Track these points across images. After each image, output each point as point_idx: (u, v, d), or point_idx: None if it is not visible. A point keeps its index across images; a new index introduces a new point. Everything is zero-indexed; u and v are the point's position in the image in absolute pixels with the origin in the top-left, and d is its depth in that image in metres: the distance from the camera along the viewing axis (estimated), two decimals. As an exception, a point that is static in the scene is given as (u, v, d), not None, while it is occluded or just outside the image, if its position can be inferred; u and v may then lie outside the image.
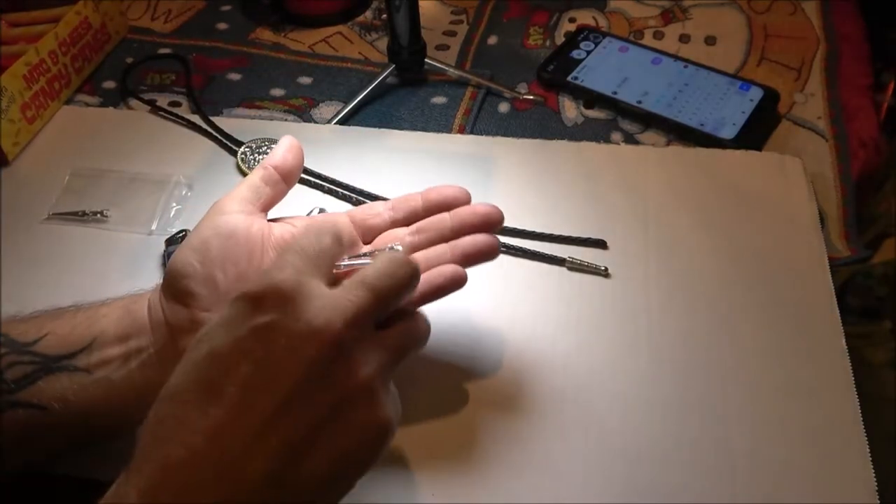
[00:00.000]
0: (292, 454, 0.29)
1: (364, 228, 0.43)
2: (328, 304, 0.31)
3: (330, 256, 0.35)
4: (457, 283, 0.39)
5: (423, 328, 0.37)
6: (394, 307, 0.35)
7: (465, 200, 0.42)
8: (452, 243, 0.41)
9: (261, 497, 0.28)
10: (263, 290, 0.31)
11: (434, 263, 0.39)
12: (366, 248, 0.42)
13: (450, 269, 0.39)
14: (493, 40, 0.72)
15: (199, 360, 0.30)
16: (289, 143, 0.43)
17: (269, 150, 0.60)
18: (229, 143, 0.61)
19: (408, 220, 0.43)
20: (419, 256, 0.40)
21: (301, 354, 0.30)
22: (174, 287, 0.38)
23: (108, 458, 0.41)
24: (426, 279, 0.38)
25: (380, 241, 0.43)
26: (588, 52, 0.67)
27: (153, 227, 0.55)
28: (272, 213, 0.44)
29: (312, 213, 0.52)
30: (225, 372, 0.29)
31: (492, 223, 0.41)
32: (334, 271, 0.36)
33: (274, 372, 0.29)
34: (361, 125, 0.63)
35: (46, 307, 0.40)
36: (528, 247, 0.52)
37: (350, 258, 0.38)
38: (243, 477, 0.28)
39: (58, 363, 0.37)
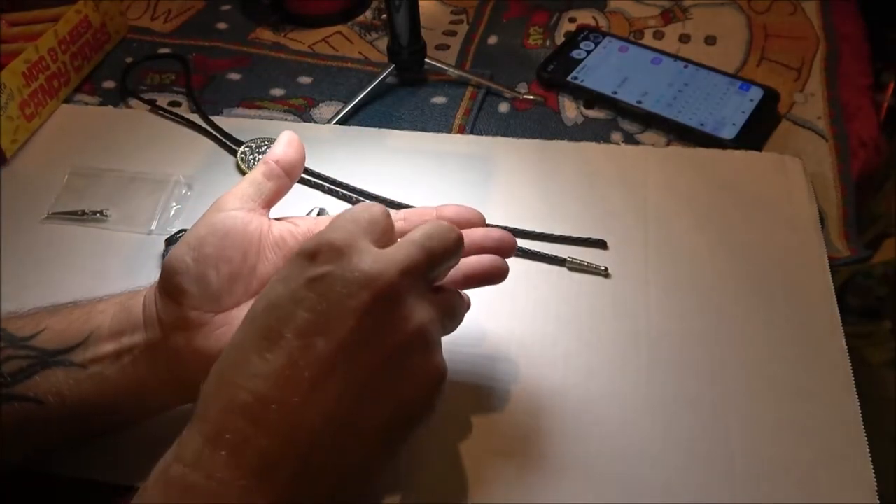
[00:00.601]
0: (351, 398, 0.30)
1: None
2: (381, 257, 0.32)
3: (381, 226, 0.35)
4: (499, 274, 0.40)
5: (467, 299, 0.39)
6: (443, 269, 0.36)
7: (480, 223, 0.42)
8: (468, 266, 0.40)
9: (322, 440, 0.30)
10: (318, 246, 0.32)
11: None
12: None
13: (488, 258, 0.39)
14: (493, 40, 0.72)
15: (258, 312, 0.32)
16: (289, 137, 0.43)
17: (269, 150, 0.60)
18: (229, 143, 0.61)
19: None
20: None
21: (356, 301, 0.31)
22: (167, 284, 0.38)
23: (108, 458, 0.42)
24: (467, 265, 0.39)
25: None
26: (588, 52, 0.67)
27: (153, 226, 0.55)
28: (275, 212, 0.44)
29: (312, 213, 0.52)
30: (283, 320, 0.30)
31: (505, 250, 0.41)
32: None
33: (330, 318, 0.30)
34: (361, 125, 0.63)
35: (45, 305, 0.40)
36: (528, 247, 0.52)
37: None
38: (304, 420, 0.29)
39: (54, 358, 0.37)
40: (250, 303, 0.37)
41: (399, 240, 0.35)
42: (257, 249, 0.39)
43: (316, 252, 0.32)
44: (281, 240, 0.40)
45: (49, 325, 0.38)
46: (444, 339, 0.47)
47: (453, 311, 0.37)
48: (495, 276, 0.40)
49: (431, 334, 0.34)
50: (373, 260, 0.32)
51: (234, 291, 0.38)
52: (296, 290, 0.31)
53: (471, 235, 0.40)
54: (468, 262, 0.39)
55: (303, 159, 0.43)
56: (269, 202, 0.41)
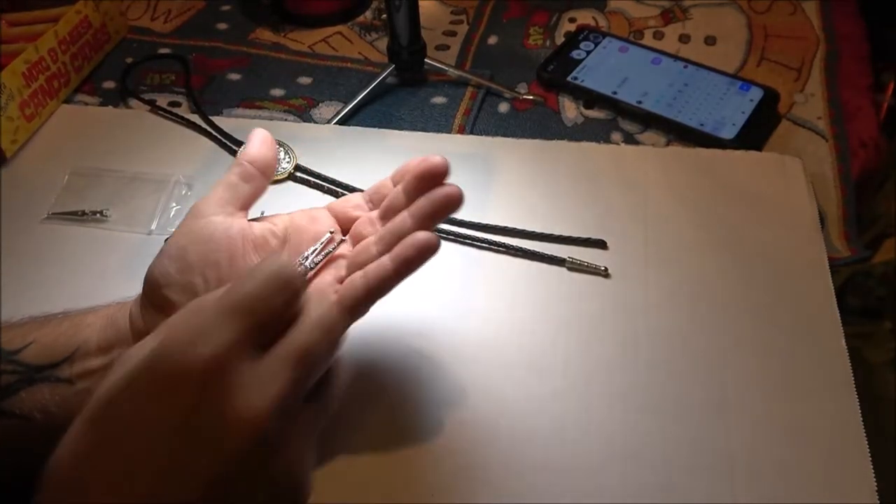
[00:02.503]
0: None
1: (345, 220, 0.42)
2: (255, 395, 0.29)
3: (285, 298, 0.31)
4: (429, 249, 0.35)
5: (334, 409, 0.36)
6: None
7: (415, 166, 0.39)
8: (411, 209, 0.38)
9: None
10: (186, 365, 0.28)
11: (400, 236, 0.37)
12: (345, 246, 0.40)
13: (419, 236, 0.35)
14: (493, 40, 0.72)
15: (107, 423, 0.28)
16: (262, 135, 0.41)
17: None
18: (229, 143, 0.61)
19: (378, 204, 0.42)
20: (385, 231, 0.38)
21: (222, 449, 0.28)
22: (152, 296, 0.37)
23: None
24: (397, 254, 0.35)
25: (354, 230, 0.41)
26: (588, 52, 0.67)
27: (153, 226, 0.55)
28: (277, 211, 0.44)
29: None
30: (137, 454, 0.28)
31: (435, 175, 0.38)
32: (301, 268, 0.37)
33: (190, 468, 0.28)
34: (361, 125, 0.63)
35: (45, 308, 0.40)
36: (528, 247, 0.52)
37: (316, 252, 0.39)
38: None
39: (40, 373, 0.36)
40: None
41: (278, 352, 0.30)
42: (241, 252, 0.39)
43: (182, 373, 0.28)
44: (262, 240, 0.39)
45: (37, 339, 0.37)
46: (443, 340, 0.47)
47: (317, 426, 0.35)
48: (450, 203, 0.37)
49: (298, 468, 0.32)
50: (245, 400, 0.28)
51: None
52: (154, 422, 0.28)
53: (406, 182, 0.39)
54: (420, 205, 0.37)
55: (276, 156, 0.42)
56: (246, 204, 0.41)
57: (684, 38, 0.70)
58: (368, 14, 0.76)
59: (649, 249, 0.52)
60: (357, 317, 0.35)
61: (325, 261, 0.39)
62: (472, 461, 0.42)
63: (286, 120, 0.64)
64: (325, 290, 0.36)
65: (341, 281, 0.37)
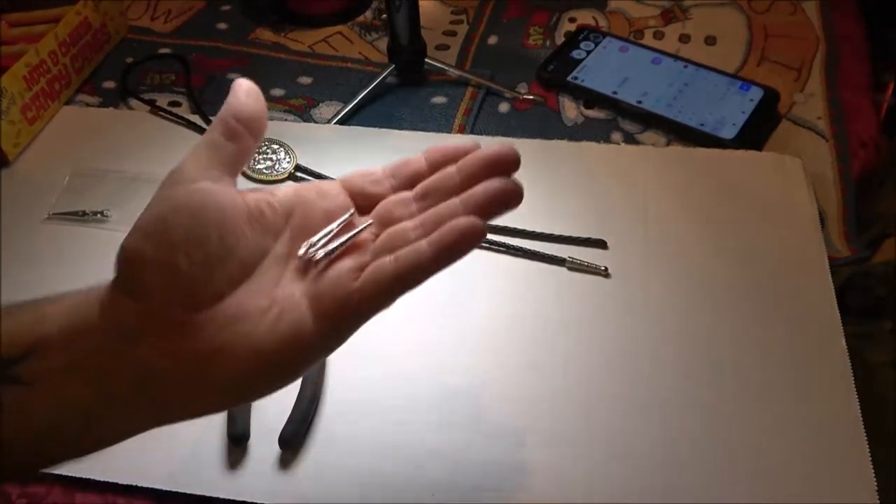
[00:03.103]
0: None
1: (363, 197, 0.35)
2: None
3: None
4: (474, 236, 0.30)
5: None
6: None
7: (473, 150, 0.34)
8: (463, 196, 0.32)
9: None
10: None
11: (446, 220, 0.32)
12: (363, 220, 0.34)
13: (463, 221, 0.30)
14: (493, 40, 0.72)
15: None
16: (246, 86, 0.34)
17: (269, 150, 0.60)
18: (229, 143, 0.61)
19: (412, 185, 0.35)
20: (429, 216, 0.33)
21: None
22: (125, 280, 0.31)
23: (105, 457, 0.42)
24: (438, 238, 0.31)
25: (382, 210, 0.34)
26: (588, 52, 0.67)
27: (153, 227, 0.55)
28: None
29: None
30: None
31: (505, 164, 0.33)
32: (307, 256, 0.32)
33: None
34: (361, 125, 0.63)
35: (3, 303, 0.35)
36: (528, 247, 0.52)
37: (327, 237, 0.32)
38: None
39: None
40: (240, 295, 0.31)
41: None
42: (233, 226, 0.32)
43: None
44: (258, 212, 0.33)
45: None
46: (443, 340, 0.47)
47: None
48: (509, 199, 0.32)
49: None
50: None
51: (214, 280, 0.31)
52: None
53: (465, 164, 0.33)
54: (474, 194, 0.32)
55: (265, 111, 0.35)
56: (235, 168, 0.34)
57: (684, 38, 0.70)
58: (368, 14, 0.76)
59: (649, 249, 0.52)
60: (379, 309, 0.31)
61: (345, 247, 0.32)
62: (472, 461, 0.42)
63: (286, 120, 0.64)
64: (342, 277, 0.31)
65: (363, 269, 0.31)
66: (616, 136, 0.62)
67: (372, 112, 0.65)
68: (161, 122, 0.64)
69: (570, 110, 0.64)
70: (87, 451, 0.31)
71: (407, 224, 0.33)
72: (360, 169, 0.36)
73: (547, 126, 0.63)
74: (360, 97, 0.64)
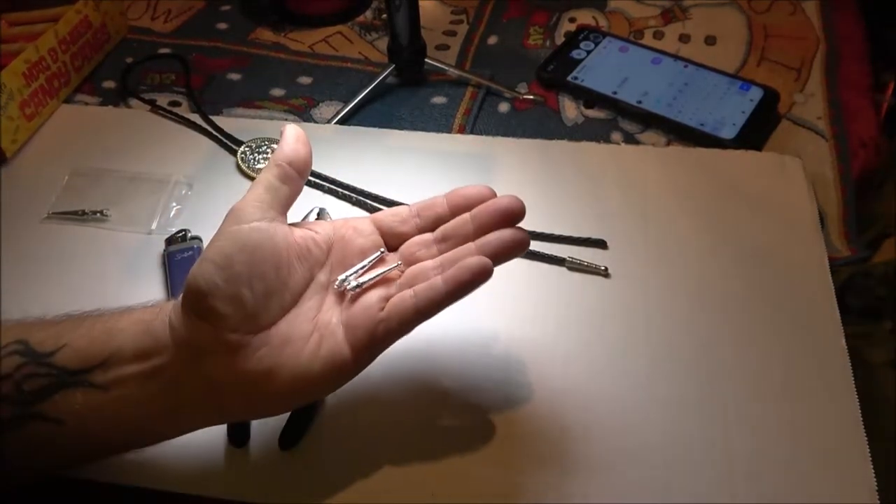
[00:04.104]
0: None
1: (392, 235, 0.41)
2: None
3: None
4: (482, 274, 0.36)
5: None
6: None
7: (487, 198, 0.40)
8: (478, 242, 0.38)
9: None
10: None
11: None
12: (391, 257, 0.40)
13: (474, 261, 0.36)
14: (493, 40, 0.72)
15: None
16: (296, 133, 0.40)
17: (269, 150, 0.60)
18: (229, 143, 0.61)
19: (434, 226, 0.41)
20: (447, 258, 0.39)
21: None
22: (198, 306, 0.35)
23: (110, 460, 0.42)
24: (451, 276, 0.36)
25: (407, 250, 0.40)
26: (588, 52, 0.67)
27: (153, 226, 0.55)
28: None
29: (311, 216, 0.52)
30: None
31: (512, 216, 0.38)
32: (342, 289, 0.38)
33: None
34: (361, 125, 0.63)
35: (45, 307, 0.40)
36: (528, 247, 0.52)
37: (360, 271, 0.39)
38: None
39: (74, 377, 0.36)
40: (289, 320, 0.37)
41: None
42: (287, 261, 0.37)
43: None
44: (305, 250, 0.39)
45: (70, 342, 0.36)
46: (443, 340, 0.47)
47: None
48: (518, 247, 0.38)
49: None
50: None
51: (270, 308, 0.37)
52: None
53: (478, 214, 0.39)
54: (489, 241, 0.38)
55: (311, 155, 0.40)
56: (286, 207, 0.39)
57: (684, 38, 0.70)
58: (368, 14, 0.76)
59: (649, 249, 0.52)
60: (399, 336, 0.37)
61: (375, 281, 0.38)
62: (472, 461, 0.42)
63: (286, 120, 0.64)
64: (371, 308, 0.37)
65: (388, 298, 0.37)
66: (616, 136, 0.62)
67: (372, 112, 0.65)
68: (161, 122, 0.64)
69: (570, 110, 0.64)
70: (162, 440, 0.38)
71: (427, 264, 0.39)
72: (390, 210, 0.42)
73: (547, 126, 0.63)
74: (360, 97, 0.64)
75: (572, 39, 0.69)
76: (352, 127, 0.63)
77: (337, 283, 0.38)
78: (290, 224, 0.39)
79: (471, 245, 0.38)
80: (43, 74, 0.63)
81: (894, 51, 0.75)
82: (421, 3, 0.62)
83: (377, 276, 0.38)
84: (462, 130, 0.62)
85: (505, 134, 0.62)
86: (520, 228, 0.38)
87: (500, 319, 0.48)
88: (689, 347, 0.46)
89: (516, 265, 0.52)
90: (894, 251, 0.65)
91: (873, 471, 0.41)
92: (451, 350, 0.47)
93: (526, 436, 0.43)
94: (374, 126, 0.63)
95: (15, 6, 0.68)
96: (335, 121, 0.63)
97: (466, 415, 0.44)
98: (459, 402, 0.45)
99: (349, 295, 0.38)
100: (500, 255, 0.37)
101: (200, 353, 0.35)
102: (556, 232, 0.53)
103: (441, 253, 0.39)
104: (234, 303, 0.35)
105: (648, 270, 0.51)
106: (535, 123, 0.63)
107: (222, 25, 0.75)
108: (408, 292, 0.37)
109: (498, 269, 0.51)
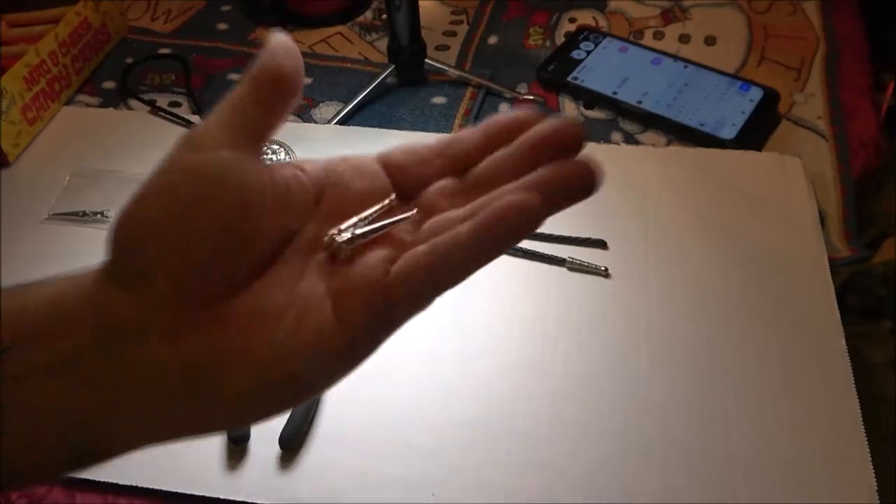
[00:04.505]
0: None
1: (405, 178, 0.29)
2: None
3: None
4: (523, 213, 0.24)
5: None
6: None
7: (534, 123, 0.28)
8: (520, 183, 0.27)
9: None
10: None
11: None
12: (405, 209, 0.28)
13: (513, 198, 0.24)
14: (493, 40, 0.72)
15: None
16: (283, 42, 0.28)
17: (268, 150, 0.60)
18: (229, 144, 0.61)
19: (463, 168, 0.29)
20: (479, 204, 0.27)
21: None
22: (116, 265, 0.25)
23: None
24: (480, 222, 0.25)
25: (425, 198, 0.28)
26: (588, 53, 0.67)
27: (153, 227, 0.55)
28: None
29: None
30: None
31: (571, 143, 0.27)
32: (334, 247, 0.26)
33: None
34: (361, 125, 0.63)
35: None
36: (528, 247, 0.52)
37: (366, 219, 0.27)
38: None
39: None
40: (257, 290, 0.25)
41: None
42: (258, 208, 0.26)
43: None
44: (284, 192, 0.27)
45: None
46: (443, 340, 0.47)
47: None
48: (577, 183, 0.26)
49: None
50: None
51: (229, 272, 0.25)
52: None
53: (522, 143, 0.28)
54: (536, 176, 0.26)
55: (302, 71, 0.29)
56: (260, 140, 0.28)
57: (684, 38, 0.70)
58: (368, 14, 0.76)
59: (649, 249, 0.52)
60: (413, 310, 0.25)
61: (379, 234, 0.27)
62: (472, 461, 0.42)
63: (286, 120, 0.64)
64: (370, 269, 0.25)
65: (395, 259, 0.26)
66: (616, 136, 0.62)
67: (372, 112, 0.65)
68: (161, 123, 0.64)
69: (570, 110, 0.64)
70: (87, 464, 0.26)
71: (452, 214, 0.27)
72: (404, 144, 0.30)
73: (547, 126, 0.63)
74: (360, 97, 0.64)
75: (572, 40, 0.69)
76: (352, 127, 0.63)
77: (326, 238, 0.27)
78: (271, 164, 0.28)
79: (511, 186, 0.27)
80: (44, 78, 0.63)
81: (894, 51, 0.75)
82: (421, 3, 0.62)
83: (381, 226, 0.27)
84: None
85: (505, 134, 0.62)
86: (582, 161, 0.27)
87: (501, 319, 0.48)
88: (689, 347, 0.46)
89: (516, 265, 0.52)
90: (894, 251, 0.65)
91: (873, 471, 0.41)
92: (451, 350, 0.47)
93: (525, 436, 0.43)
94: (374, 126, 0.63)
95: (15, 7, 0.68)
96: (335, 121, 0.63)
97: (466, 415, 0.44)
98: (459, 401, 0.45)
99: (343, 255, 0.26)
100: (553, 191, 0.26)
101: (126, 337, 0.24)
102: (556, 232, 0.53)
103: (470, 199, 0.28)
104: (172, 258, 0.25)
105: (648, 270, 0.51)
106: (535, 124, 0.63)
107: (222, 25, 0.75)
108: (420, 248, 0.25)
109: (498, 269, 0.52)
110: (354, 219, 0.27)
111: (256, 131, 0.28)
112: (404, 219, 0.27)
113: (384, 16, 0.75)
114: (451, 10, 0.76)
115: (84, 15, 0.67)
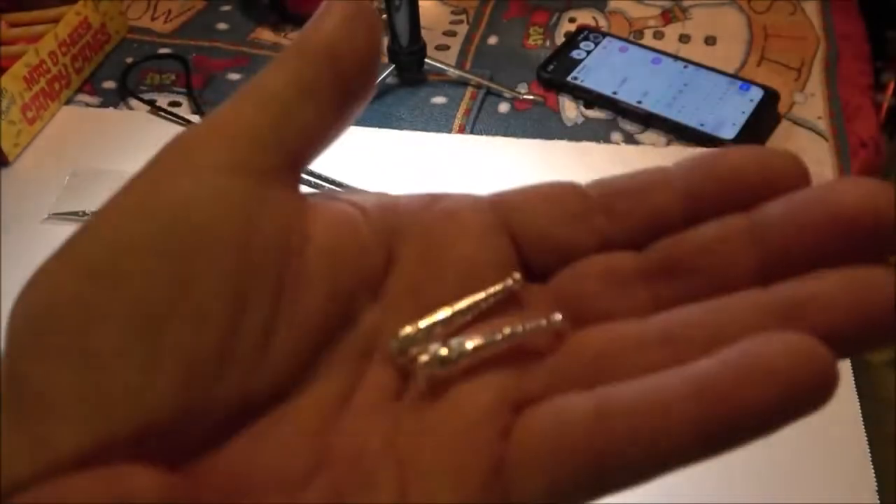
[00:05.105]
0: None
1: (540, 242, 0.19)
2: None
3: None
4: (816, 379, 0.16)
5: None
6: None
7: (796, 178, 0.16)
8: (787, 293, 0.16)
9: None
10: None
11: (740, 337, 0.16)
12: (532, 298, 0.18)
13: (801, 340, 0.15)
14: (493, 40, 0.72)
15: None
16: (344, 9, 0.19)
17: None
18: (229, 144, 0.61)
19: (644, 236, 0.18)
20: (688, 323, 0.17)
21: None
22: (10, 379, 0.16)
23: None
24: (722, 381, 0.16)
25: (573, 283, 0.18)
26: (588, 52, 0.67)
27: (153, 227, 0.55)
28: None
29: None
30: None
31: (867, 232, 0.16)
32: (409, 361, 0.17)
33: None
34: (361, 125, 0.63)
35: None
36: (528, 247, 0.52)
37: (461, 315, 0.17)
38: None
39: None
40: (260, 433, 0.16)
41: None
42: (274, 288, 0.16)
43: None
44: (329, 250, 0.17)
45: None
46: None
47: None
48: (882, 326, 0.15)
49: None
50: None
51: (215, 399, 0.16)
52: None
53: (793, 219, 0.16)
54: (825, 296, 0.16)
55: (378, 49, 0.20)
56: (303, 155, 0.19)
57: (684, 38, 0.70)
58: (368, 14, 0.76)
59: (649, 249, 0.52)
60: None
61: (498, 349, 0.17)
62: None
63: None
64: (476, 425, 0.16)
65: (518, 406, 0.16)
66: (616, 136, 0.62)
67: (371, 112, 0.65)
68: (161, 123, 0.64)
69: (570, 110, 0.64)
70: None
71: (632, 329, 0.16)
72: (536, 187, 0.19)
73: (547, 126, 0.63)
74: (360, 97, 0.64)
75: (572, 39, 0.69)
76: (351, 127, 0.63)
77: (395, 343, 0.17)
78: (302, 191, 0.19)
79: (762, 296, 0.16)
80: (44, 78, 0.63)
81: (894, 51, 0.75)
82: (421, 3, 0.62)
83: (503, 341, 0.17)
84: (462, 130, 0.62)
85: (505, 134, 0.62)
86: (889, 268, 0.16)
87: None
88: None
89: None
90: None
91: (873, 471, 0.41)
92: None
93: (526, 436, 0.43)
94: (374, 126, 0.63)
95: (15, 7, 0.68)
96: (335, 121, 0.63)
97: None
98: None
99: (423, 381, 0.16)
100: (850, 335, 0.16)
101: None
102: (556, 232, 0.53)
103: (661, 301, 0.17)
104: (92, 401, 0.15)
105: (648, 271, 0.51)
106: (535, 123, 0.63)
107: (222, 25, 0.75)
108: (577, 402, 0.16)
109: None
110: (449, 311, 0.17)
111: (295, 144, 0.18)
112: (541, 328, 0.16)
113: (384, 16, 0.75)
114: (451, 10, 0.76)
115: (84, 15, 0.67)
